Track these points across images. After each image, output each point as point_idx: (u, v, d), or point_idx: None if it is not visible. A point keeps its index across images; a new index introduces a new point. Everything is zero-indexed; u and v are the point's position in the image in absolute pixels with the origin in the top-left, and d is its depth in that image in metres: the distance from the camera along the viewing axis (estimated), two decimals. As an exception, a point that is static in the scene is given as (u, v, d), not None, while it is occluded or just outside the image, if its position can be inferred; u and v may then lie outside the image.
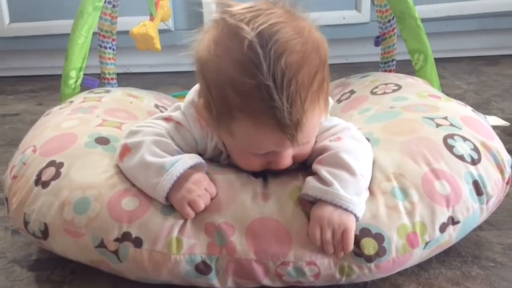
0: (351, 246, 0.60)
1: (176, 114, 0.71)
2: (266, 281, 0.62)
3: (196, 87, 0.72)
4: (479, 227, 0.73)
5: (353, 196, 0.61)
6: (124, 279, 0.66)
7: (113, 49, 1.16)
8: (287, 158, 0.64)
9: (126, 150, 0.67)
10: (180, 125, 0.70)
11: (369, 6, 1.67)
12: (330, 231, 0.60)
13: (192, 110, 0.69)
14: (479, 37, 1.79)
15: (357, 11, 1.70)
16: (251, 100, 0.57)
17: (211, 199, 0.64)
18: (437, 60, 1.04)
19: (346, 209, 0.60)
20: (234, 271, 0.61)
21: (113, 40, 1.16)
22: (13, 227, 0.81)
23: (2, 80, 1.79)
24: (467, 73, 1.64)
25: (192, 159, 0.65)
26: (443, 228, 0.64)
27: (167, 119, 0.71)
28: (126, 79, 1.60)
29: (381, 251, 0.61)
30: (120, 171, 0.68)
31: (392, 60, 1.16)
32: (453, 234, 0.65)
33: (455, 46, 1.79)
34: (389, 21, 1.13)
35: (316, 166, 0.65)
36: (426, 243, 0.63)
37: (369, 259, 0.60)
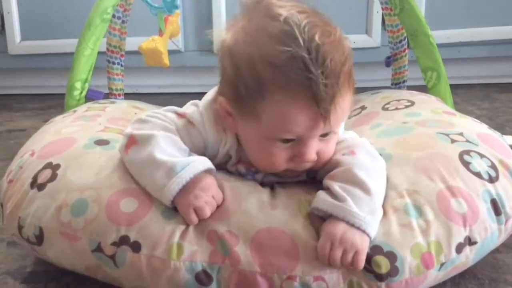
0: (362, 266, 0.57)
1: (192, 113, 0.68)
2: (270, 297, 0.58)
3: (214, 89, 0.70)
4: (497, 250, 0.69)
5: (367, 215, 0.58)
6: (120, 292, 0.63)
7: (121, 65, 1.16)
8: (312, 150, 0.61)
9: (132, 142, 0.65)
10: (191, 125, 0.67)
11: (380, 31, 1.67)
12: (341, 250, 0.57)
13: (210, 113, 0.67)
14: (491, 64, 1.77)
15: (367, 35, 1.69)
16: (287, 71, 0.56)
17: (217, 207, 0.61)
18: (449, 86, 1.02)
19: (358, 228, 0.57)
20: (236, 284, 0.58)
21: (122, 56, 1.16)
22: (8, 238, 0.78)
23: (12, 97, 1.79)
24: (480, 99, 1.61)
25: (203, 163, 0.63)
26: (459, 249, 0.60)
27: (180, 115, 0.68)
28: (135, 99, 1.59)
29: (393, 271, 0.57)
30: (119, 168, 0.65)
31: (404, 82, 1.14)
32: (470, 256, 0.61)
33: (467, 72, 1.77)
34: (400, 41, 1.12)
35: (328, 182, 0.62)
36: (442, 264, 0.59)
37: (380, 277, 0.57)
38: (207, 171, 0.63)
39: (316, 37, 0.56)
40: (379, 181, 0.62)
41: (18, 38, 1.72)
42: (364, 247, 0.57)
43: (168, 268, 0.58)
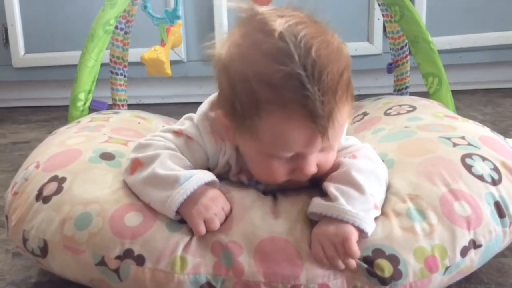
0: (356, 253, 0.56)
1: (188, 128, 0.68)
2: (274, 306, 0.58)
3: (210, 98, 0.70)
4: (502, 254, 0.69)
5: (360, 211, 0.58)
6: (125, 303, 0.63)
7: (124, 76, 1.17)
8: (312, 164, 0.61)
9: (138, 165, 0.65)
10: (190, 140, 0.67)
11: (381, 38, 1.67)
12: (331, 246, 0.57)
13: (206, 124, 0.67)
14: (493, 69, 1.77)
15: (369, 42, 1.70)
16: (282, 89, 0.55)
17: (226, 217, 0.61)
18: (451, 92, 1.02)
19: (352, 224, 0.57)
20: (241, 295, 0.57)
21: (125, 66, 1.16)
22: (13, 249, 0.79)
23: (16, 110, 1.81)
24: (483, 105, 1.61)
25: (207, 176, 0.63)
26: (464, 252, 0.60)
27: (177, 133, 0.68)
28: (139, 110, 1.60)
29: (396, 274, 0.56)
30: (124, 187, 0.65)
31: (406, 88, 1.15)
32: (475, 259, 0.61)
33: (469, 78, 1.77)
34: (401, 48, 1.13)
35: (325, 184, 0.62)
36: (446, 268, 0.59)
37: (383, 281, 0.56)
38: (211, 183, 0.63)
39: (313, 51, 0.55)
40: (376, 183, 0.62)
41: (22, 51, 1.74)
42: (349, 235, 0.57)
43: (172, 282, 0.58)
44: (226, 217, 0.61)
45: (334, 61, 0.57)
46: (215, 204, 0.60)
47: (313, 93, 0.55)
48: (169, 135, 0.68)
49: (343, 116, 0.59)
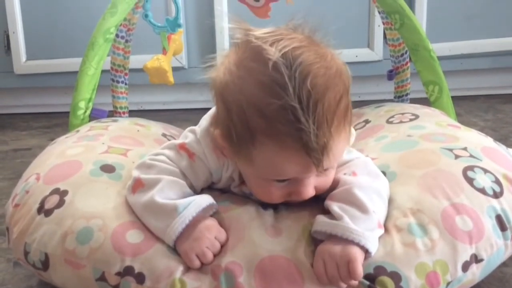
0: (360, 275, 0.56)
1: (191, 142, 0.68)
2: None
3: (211, 112, 0.69)
4: (504, 264, 0.69)
5: (365, 231, 0.58)
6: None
7: (125, 84, 1.17)
8: (309, 188, 0.60)
9: (139, 185, 0.65)
10: (193, 159, 0.67)
11: (382, 44, 1.67)
12: (333, 264, 0.56)
13: (208, 140, 0.67)
14: (493, 75, 1.77)
15: (369, 49, 1.70)
16: (276, 122, 0.55)
17: (222, 246, 0.60)
18: (452, 98, 1.02)
19: (358, 244, 0.57)
20: (241, 316, 0.57)
21: (126, 74, 1.16)
22: (15, 259, 0.78)
23: (17, 116, 1.81)
24: (483, 111, 1.61)
25: (205, 200, 0.63)
26: (465, 267, 0.60)
27: (180, 147, 0.68)
28: (140, 116, 1.60)
29: (398, 291, 0.56)
30: (126, 203, 0.65)
31: (406, 94, 1.15)
32: (476, 273, 0.61)
33: (469, 84, 1.77)
34: (402, 55, 1.12)
35: (327, 202, 0.62)
36: (448, 283, 0.59)
37: (386, 298, 0.56)
38: (209, 208, 0.63)
39: (308, 82, 0.54)
40: (378, 200, 0.62)
41: (23, 57, 1.74)
42: (355, 256, 0.56)
43: None
44: (222, 246, 0.60)
45: (331, 88, 0.56)
46: (208, 236, 0.60)
47: (307, 126, 0.54)
48: (172, 154, 0.68)
49: (339, 145, 0.59)
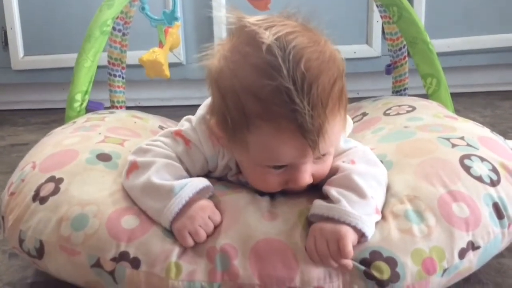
0: (350, 253, 0.55)
1: (187, 130, 0.68)
2: (270, 310, 0.57)
3: (207, 101, 0.70)
4: (501, 254, 0.68)
5: (362, 215, 0.57)
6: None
7: (123, 77, 1.17)
8: (305, 174, 0.60)
9: (134, 167, 0.65)
10: (189, 146, 0.67)
11: (380, 40, 1.67)
12: (323, 241, 0.56)
13: (203, 127, 0.67)
14: (492, 71, 1.77)
15: (368, 45, 1.70)
16: (271, 104, 0.55)
17: (216, 227, 0.60)
18: (450, 95, 1.02)
19: (354, 227, 0.56)
20: (236, 299, 0.57)
21: (123, 68, 1.16)
22: (10, 250, 0.78)
23: (15, 112, 1.81)
24: (482, 107, 1.60)
25: (201, 182, 0.62)
26: (462, 254, 0.59)
27: (176, 133, 0.68)
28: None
29: (394, 277, 0.56)
30: (122, 190, 0.65)
31: (405, 89, 1.14)
32: (473, 261, 0.60)
33: (468, 80, 1.77)
34: (400, 49, 1.12)
35: (325, 187, 0.61)
36: (444, 270, 0.58)
37: (381, 284, 0.56)
38: (205, 190, 0.62)
39: (302, 64, 0.54)
40: (377, 187, 0.61)
41: (21, 53, 1.74)
42: (346, 234, 0.56)
43: (167, 287, 0.57)
44: (216, 227, 0.60)
45: (325, 71, 0.56)
46: (202, 215, 0.59)
47: (302, 107, 0.54)
48: (169, 141, 0.68)
49: (335, 128, 0.58)
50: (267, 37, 0.55)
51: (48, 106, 1.81)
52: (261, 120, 0.56)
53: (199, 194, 0.61)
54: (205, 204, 0.61)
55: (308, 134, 0.55)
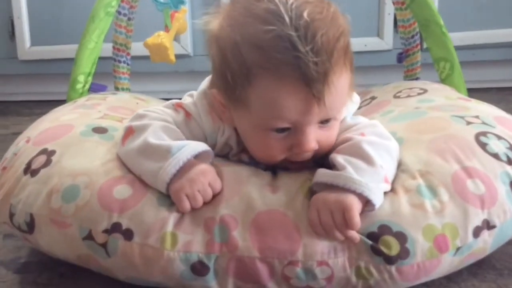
0: (357, 224, 0.52)
1: (188, 104, 0.66)
2: (271, 285, 0.54)
3: (209, 77, 0.68)
4: (516, 238, 0.65)
5: (369, 182, 0.53)
6: (115, 284, 0.60)
7: (128, 64, 1.14)
8: (310, 138, 0.56)
9: (130, 133, 0.63)
10: (189, 118, 0.65)
11: (392, 33, 1.64)
12: (327, 212, 0.53)
13: (204, 102, 0.65)
14: (506, 66, 1.72)
15: (379, 38, 1.66)
16: (272, 51, 0.52)
17: (215, 195, 0.57)
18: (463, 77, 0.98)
19: (360, 194, 0.53)
20: (235, 272, 0.54)
21: (128, 54, 1.14)
22: (5, 231, 0.76)
23: (21, 104, 1.80)
24: (495, 102, 1.55)
25: (200, 145, 0.60)
26: (477, 233, 0.55)
27: (177, 105, 0.66)
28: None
29: (403, 253, 0.52)
30: (116, 159, 0.62)
31: (416, 78, 1.11)
32: (488, 241, 0.57)
33: (482, 76, 1.72)
34: (412, 36, 1.09)
35: (332, 155, 0.58)
36: (457, 249, 0.55)
37: (389, 260, 0.52)
38: (204, 154, 0.60)
39: (305, 14, 0.53)
40: (387, 157, 0.58)
41: (28, 43, 1.73)
42: (351, 203, 0.52)
43: (162, 258, 0.54)
44: (215, 195, 0.57)
45: (329, 25, 0.54)
46: (202, 179, 0.56)
47: (305, 54, 0.51)
48: (169, 111, 0.66)
49: (341, 81, 0.55)
50: None
51: (55, 98, 1.79)
52: (261, 70, 0.53)
53: (198, 158, 0.59)
54: (207, 169, 0.58)
55: (313, 83, 0.52)
